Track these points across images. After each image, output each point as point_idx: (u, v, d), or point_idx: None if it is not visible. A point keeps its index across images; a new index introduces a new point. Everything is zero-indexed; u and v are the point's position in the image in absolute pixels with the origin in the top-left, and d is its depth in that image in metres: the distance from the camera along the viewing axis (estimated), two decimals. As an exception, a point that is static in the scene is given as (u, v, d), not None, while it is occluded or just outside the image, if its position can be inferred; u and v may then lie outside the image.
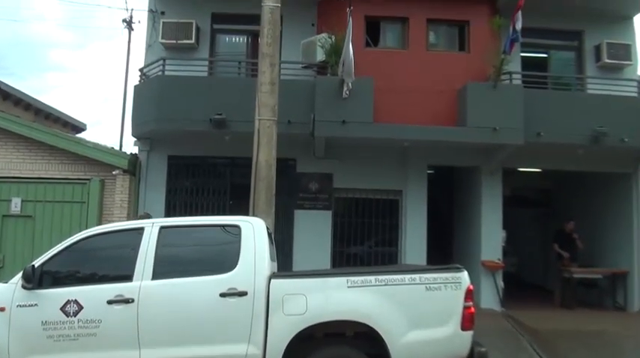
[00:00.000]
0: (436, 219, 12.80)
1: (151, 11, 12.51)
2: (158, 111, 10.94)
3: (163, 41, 12.04)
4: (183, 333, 5.51)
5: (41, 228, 11.22)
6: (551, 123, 10.91)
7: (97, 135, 60.82)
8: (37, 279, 5.59)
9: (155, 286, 5.59)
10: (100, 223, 11.01)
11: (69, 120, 16.40)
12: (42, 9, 42.83)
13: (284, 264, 11.01)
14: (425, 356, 5.60)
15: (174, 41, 12.00)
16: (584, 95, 12.03)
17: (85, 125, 17.53)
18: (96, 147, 11.53)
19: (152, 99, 11.12)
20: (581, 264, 12.44)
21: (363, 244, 12.13)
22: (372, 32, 11.92)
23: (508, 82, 11.44)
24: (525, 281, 15.31)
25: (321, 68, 11.28)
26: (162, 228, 5.89)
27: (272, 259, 6.15)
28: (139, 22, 21.57)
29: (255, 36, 11.49)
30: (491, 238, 11.76)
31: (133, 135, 11.86)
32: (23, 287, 5.59)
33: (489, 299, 11.56)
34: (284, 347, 5.48)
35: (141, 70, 12.02)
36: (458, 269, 5.81)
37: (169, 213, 11.69)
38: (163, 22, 12.07)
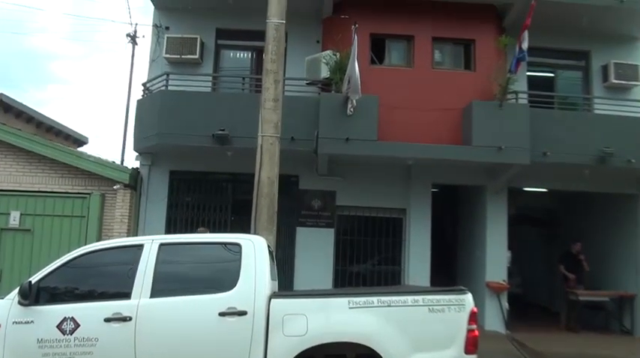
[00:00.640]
0: (440, 238, 12.75)
1: (155, 26, 12.60)
2: (160, 126, 10.96)
3: (167, 56, 12.11)
4: (181, 353, 5.47)
5: (40, 242, 11.20)
6: (557, 143, 10.89)
7: (98, 148, 60.94)
8: (33, 296, 5.55)
9: (154, 304, 5.55)
10: (99, 238, 11.00)
11: (70, 133, 16.44)
12: (46, 22, 43.22)
13: (285, 282, 10.98)
14: (427, 381, 5.53)
15: (179, 56, 12.07)
16: (590, 115, 12.03)
17: (86, 138, 17.57)
18: (97, 161, 11.55)
19: (155, 113, 11.15)
20: (588, 286, 12.34)
21: (366, 263, 12.06)
22: (377, 50, 11.96)
23: (514, 101, 11.45)
24: (530, 303, 15.18)
25: (326, 85, 11.30)
26: (161, 244, 5.87)
27: (273, 278, 6.12)
28: (143, 36, 21.68)
29: (259, 52, 11.58)
30: (496, 258, 11.68)
31: (135, 149, 11.88)
32: (19, 303, 5.56)
33: (494, 321, 11.46)
34: (284, 369, 5.42)
35: (144, 84, 12.07)
36: (462, 291, 5.76)
37: (170, 228, 11.68)
38: (168, 37, 12.15)
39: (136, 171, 11.88)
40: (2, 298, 5.74)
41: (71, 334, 5.43)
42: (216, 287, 5.67)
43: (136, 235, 11.28)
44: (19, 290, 5.56)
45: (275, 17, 8.33)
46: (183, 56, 12.06)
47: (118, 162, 12.98)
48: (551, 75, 13.16)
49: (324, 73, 11.18)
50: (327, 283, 11.37)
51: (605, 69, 12.71)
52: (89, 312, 5.53)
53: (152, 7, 12.66)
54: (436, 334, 5.57)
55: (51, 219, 11.30)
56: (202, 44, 12.29)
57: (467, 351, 5.54)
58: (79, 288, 5.77)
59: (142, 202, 11.82)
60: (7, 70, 45.31)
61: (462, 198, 13.93)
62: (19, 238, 11.24)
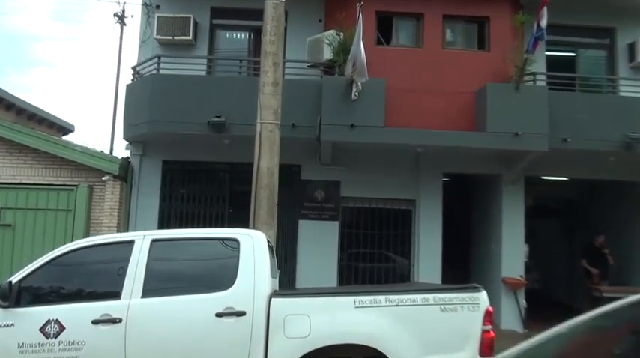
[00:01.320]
0: (452, 231, 12.74)
1: (145, 5, 12.56)
2: (152, 113, 10.95)
3: (158, 37, 12.06)
4: (175, 357, 5.46)
5: (22, 238, 11.20)
6: (578, 128, 10.84)
7: (85, 137, 61.03)
8: (14, 297, 5.50)
9: (145, 304, 5.53)
10: (87, 233, 11.02)
11: (55, 121, 16.42)
12: (28, 1, 43.14)
13: (286, 280, 10.99)
14: (439, 385, 5.54)
15: (170, 37, 12.02)
16: (615, 98, 11.97)
17: (72, 126, 17.56)
18: (84, 150, 11.54)
19: (146, 99, 11.13)
20: (612, 281, 12.32)
21: (373, 258, 12.09)
22: (384, 29, 11.91)
23: (531, 83, 11.41)
24: (550, 300, 15.16)
25: (329, 67, 11.27)
26: (153, 241, 5.84)
27: (273, 276, 6.11)
28: (132, 16, 21.65)
29: (257, 32, 11.51)
30: (512, 253, 11.69)
31: (125, 138, 11.88)
32: (-2, 305, 5.55)
33: (511, 319, 11.49)
34: (285, 373, 5.43)
35: (134, 68, 12.05)
36: (476, 289, 5.73)
37: (163, 222, 11.71)
38: (158, 17, 12.09)
39: (126, 161, 11.88)
40: (-20, 299, 5.72)
41: (55, 337, 5.41)
42: (213, 286, 5.65)
43: (127, 230, 11.30)
44: (-1, 290, 5.54)
45: (274, -6, 8.29)
46: (175, 37, 12.01)
47: (107, 151, 12.99)
48: (572, 54, 13.08)
49: (327, 54, 11.14)
50: (332, 280, 11.40)
51: (631, 47, 12.62)
52: (75, 314, 5.50)
53: (141, -16, 12.64)
54: (448, 335, 5.54)
55: (34, 214, 11.29)
56: (196, 24, 12.23)
57: (482, 353, 5.50)
58: (64, 288, 5.75)
59: (133, 195, 11.83)
60: (-13, 53, 45.32)
61: (476, 188, 13.91)
62: (-1, 234, 11.26)
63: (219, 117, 10.61)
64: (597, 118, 10.97)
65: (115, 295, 5.56)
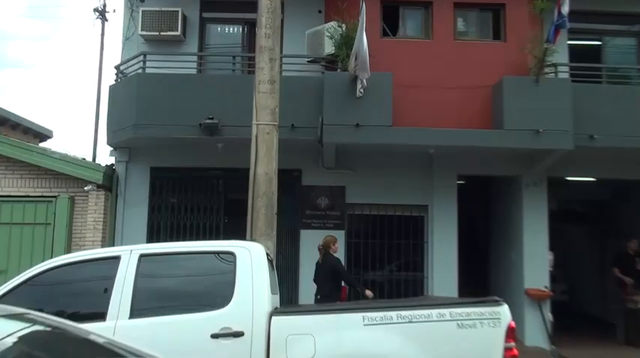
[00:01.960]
0: (468, 239, 12.72)
1: (128, -2, 12.58)
2: (138, 116, 10.95)
3: (143, 33, 12.08)
4: (167, 383, 5.45)
5: (-5, 255, 11.18)
6: (605, 123, 10.82)
7: (65, 144, 61.03)
8: (-13, 320, 5.52)
9: (133, 326, 5.51)
10: (68, 249, 11.02)
11: (31, 126, 16.42)
12: (1, -4, 43.26)
13: (288, 296, 11.00)
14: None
15: (157, 33, 12.04)
16: (645, 90, 11.95)
17: (50, 132, 17.60)
18: (63, 158, 11.54)
19: (131, 101, 11.14)
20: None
21: (383, 270, 12.07)
22: (390, 19, 11.91)
23: (553, 75, 11.39)
24: (579, 313, 15.13)
25: (330, 62, 11.27)
26: (142, 256, 5.84)
27: (273, 292, 6.09)
28: (114, 10, 21.67)
29: (252, 26, 11.54)
30: (535, 261, 11.64)
31: (109, 143, 11.89)
32: (-29, 329, 5.53)
33: (535, 335, 11.43)
34: (288, 399, 5.41)
35: (117, 67, 12.06)
36: (496, 303, 5.70)
37: (152, 235, 11.72)
38: (143, 11, 12.10)
39: (110, 168, 11.89)
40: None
41: (35, 364, 5.41)
42: (208, 305, 5.65)
43: (112, 245, 11.31)
44: (-30, 313, 5.53)
45: (269, -16, 8.29)
46: (162, 33, 12.03)
47: (89, 158, 12.97)
48: (598, 43, 13.05)
49: (328, 48, 11.14)
50: (338, 295, 11.33)
51: (662, 34, 12.62)
52: (57, 338, 5.50)
53: (123, -25, 12.65)
54: (467, 354, 5.52)
55: (8, 229, 11.29)
56: (184, 18, 12.25)
57: (504, 373, 5.50)
58: (43, 310, 5.71)
59: (119, 205, 11.83)
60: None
61: (494, 192, 13.88)
62: (-30, 252, 11.22)
63: (211, 119, 10.60)
64: (626, 112, 10.94)
65: (100, 316, 5.54)
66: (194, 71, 12.00)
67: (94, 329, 5.44)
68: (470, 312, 5.59)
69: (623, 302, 12.19)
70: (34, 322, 3.53)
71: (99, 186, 11.51)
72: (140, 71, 11.43)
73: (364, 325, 5.55)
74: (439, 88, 11.22)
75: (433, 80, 11.25)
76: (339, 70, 10.98)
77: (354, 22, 10.26)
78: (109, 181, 11.70)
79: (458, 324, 5.54)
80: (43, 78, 53.25)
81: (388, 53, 11.16)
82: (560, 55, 11.66)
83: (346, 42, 10.75)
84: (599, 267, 15.14)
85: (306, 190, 11.93)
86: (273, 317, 5.59)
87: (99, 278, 5.80)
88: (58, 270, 5.83)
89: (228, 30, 13.07)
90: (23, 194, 11.43)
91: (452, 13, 11.82)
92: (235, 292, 5.64)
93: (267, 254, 6.30)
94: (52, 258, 7.54)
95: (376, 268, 11.95)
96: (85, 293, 5.87)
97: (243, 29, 12.83)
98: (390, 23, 11.89)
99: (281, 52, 9.53)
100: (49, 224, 11.34)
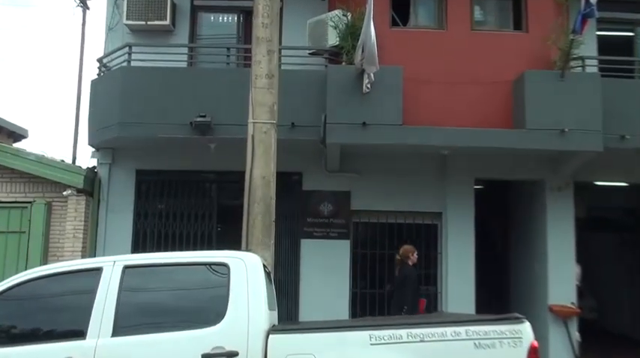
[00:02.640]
0: (487, 249, 12.70)
1: (112, -16, 12.59)
2: (122, 113, 10.96)
3: (129, 23, 12.09)
4: (153, 409, 5.45)
5: (-38, 267, 11.16)
6: (639, 122, 10.80)
7: (42, 144, 60.95)
8: (-47, 338, 5.53)
9: (116, 345, 5.51)
10: (45, 260, 11.02)
11: (4, 125, 16.44)
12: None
13: (288, 312, 11.00)
14: None
15: (143, 22, 12.05)
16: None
17: (26, 132, 17.61)
18: (40, 160, 11.57)
19: (115, 97, 11.16)
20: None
21: (392, 283, 12.03)
22: (400, 8, 11.89)
23: (580, 69, 11.39)
24: (609, 332, 15.11)
25: (334, 55, 11.27)
26: (126, 267, 5.83)
27: (271, 307, 6.08)
28: (97, -2, 21.69)
29: (248, 15, 11.52)
30: (561, 275, 11.61)
31: (90, 144, 11.91)
32: None
33: (561, 355, 11.40)
34: None
35: (100, 60, 12.07)
36: (517, 320, 5.70)
37: (138, 244, 11.72)
38: (129, -1, 12.14)
39: (92, 171, 11.90)
40: None
41: (7, 387, 5.42)
42: (198, 322, 5.64)
43: (94, 255, 11.29)
44: None
45: (266, -32, 8.31)
46: (149, 22, 12.04)
47: (69, 160, 12.96)
48: (630, 34, 13.05)
49: (332, 39, 11.15)
50: (343, 312, 11.38)
51: (701, 24, 12.62)
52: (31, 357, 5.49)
53: (106, -42, 12.68)
54: (485, 376, 5.51)
55: (-22, 237, 11.31)
56: (174, 6, 12.27)
57: (527, 398, 5.49)
58: (16, 327, 5.74)
59: (101, 212, 11.83)
60: None
61: (515, 197, 13.87)
62: (-64, 263, 11.22)
63: (203, 116, 10.61)
64: (662, 110, 10.93)
65: (79, 334, 5.53)
66: (184, 64, 12.01)
67: (73, 348, 5.49)
68: (488, 331, 5.58)
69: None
70: None
71: (79, 191, 11.51)
72: (125, 64, 11.43)
73: (371, 344, 5.54)
74: (454, 83, 11.21)
75: (448, 74, 11.24)
76: (343, 63, 10.97)
77: (361, 11, 10.28)
78: (90, 185, 11.70)
79: (475, 344, 5.53)
80: (17, 72, 53.29)
81: (398, 45, 11.15)
82: (587, 47, 11.67)
83: (352, 32, 10.76)
84: (632, 280, 15.11)
85: (307, 195, 11.92)
86: (270, 336, 5.58)
87: (78, 292, 5.79)
88: (34, 283, 5.82)
89: (222, 19, 13.07)
90: (-5, 199, 11.45)
91: (468, 0, 11.82)
92: (229, 308, 5.63)
93: (265, 265, 6.28)
94: (26, 269, 7.53)
95: (385, 282, 11.91)
96: (64, 309, 5.84)
97: (238, 18, 12.83)
98: (400, 12, 11.88)
99: (280, 43, 9.52)
100: (24, 232, 11.34)
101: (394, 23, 11.80)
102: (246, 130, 8.18)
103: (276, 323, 6.36)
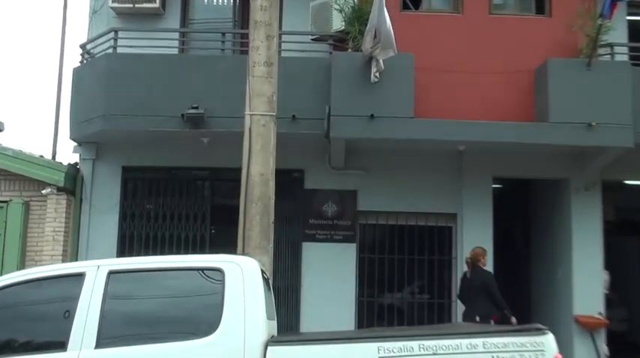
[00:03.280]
0: (505, 254, 12.67)
1: (96, -37, 12.59)
2: (108, 104, 10.97)
3: (115, 5, 12.11)
4: None
5: None
6: (675, 115, 10.79)
7: (19, 139, 60.99)
8: None
9: None
10: (22, 264, 11.03)
11: (-25, 118, 16.48)
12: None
13: (288, 322, 10.99)
14: None
15: (130, 5, 12.07)
16: None
17: (1, 125, 17.61)
18: (17, 155, 11.59)
19: (99, 86, 11.17)
20: None
21: (402, 292, 12.07)
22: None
23: (609, 57, 11.39)
24: None
25: (339, 41, 11.29)
26: (111, 273, 5.81)
27: (269, 317, 6.07)
28: (80, -22, 21.70)
29: (244, -4, 11.52)
30: (587, 282, 11.60)
31: (72, 138, 11.92)
32: None
33: (586, 370, 11.43)
34: None
35: (83, 46, 12.08)
36: (539, 331, 5.66)
37: (124, 248, 11.74)
38: (115, -21, 12.15)
39: (73, 168, 11.91)
40: None
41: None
42: (190, 332, 5.61)
43: (76, 259, 11.32)
44: None
45: (265, -54, 8.29)
46: (137, 5, 12.06)
47: (49, 156, 12.96)
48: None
49: (337, 24, 11.17)
50: (348, 321, 11.37)
51: None
52: (7, 373, 5.51)
53: None
54: (504, 393, 5.50)
55: (-52, 239, 11.34)
56: (164, -13, 12.29)
57: (550, 416, 5.48)
58: (-10, 337, 5.75)
59: (84, 212, 11.85)
60: None
61: (537, 197, 13.87)
62: None
63: (196, 108, 10.61)
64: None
65: (60, 346, 5.50)
66: (175, 51, 12.02)
67: (52, 362, 5.48)
68: (507, 343, 5.55)
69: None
70: None
71: (59, 189, 11.53)
72: (110, 51, 11.46)
73: (379, 357, 5.54)
74: (471, 72, 11.18)
75: (463, 63, 11.22)
76: (349, 49, 10.99)
77: (369, -7, 10.27)
78: (71, 183, 11.71)
79: (493, 357, 5.52)
80: (-7, 59, 53.41)
81: (410, 30, 11.11)
82: (617, 33, 11.65)
83: (359, 16, 10.76)
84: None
85: (309, 195, 11.94)
86: (269, 348, 5.55)
87: (59, 299, 5.77)
88: (9, 290, 5.79)
89: (217, 1, 13.09)
90: (-34, 198, 11.49)
91: (486, -19, 11.83)
92: (224, 317, 5.60)
93: (263, 271, 6.25)
94: (1, 275, 7.53)
95: (394, 290, 11.95)
96: (42, 318, 5.82)
97: (234, 1, 12.84)
98: (411, -6, 11.91)
99: (280, 27, 9.53)
100: (-1, 234, 11.38)
101: (405, 6, 11.79)
102: (243, 123, 8.16)
103: (275, 334, 6.33)
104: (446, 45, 11.37)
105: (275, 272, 8.50)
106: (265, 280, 6.27)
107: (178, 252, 11.19)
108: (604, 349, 11.49)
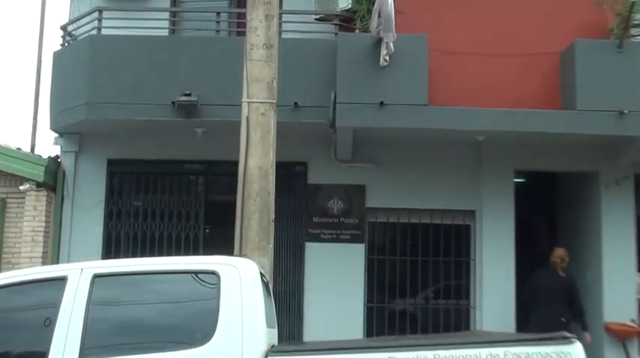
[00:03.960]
0: (529, 255, 12.65)
1: (78, -64, 12.59)
2: (91, 92, 10.98)
3: (99, -18, 12.10)
4: None
5: None
6: None
7: (-5, 130, 61.17)
8: None
9: (85, 370, 5.52)
10: (-2, 267, 11.05)
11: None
12: None
13: (290, 330, 11.04)
14: None
15: (116, -18, 12.06)
16: None
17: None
18: (-8, 148, 11.62)
19: (82, 72, 11.17)
20: None
21: (415, 296, 12.08)
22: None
23: (642, 38, 11.35)
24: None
25: (346, 21, 11.28)
26: (96, 276, 5.81)
27: (270, 324, 6.07)
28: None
29: (241, -28, 11.51)
30: (619, 286, 11.58)
31: (53, 128, 11.94)
32: None
33: (618, 382, 11.43)
34: None
35: (64, 27, 12.09)
36: (566, 340, 5.66)
37: (110, 249, 11.77)
38: (98, -46, 12.15)
39: (54, 162, 11.94)
40: None
41: None
42: (183, 342, 5.62)
43: (57, 261, 11.35)
44: None
45: None
46: (123, -19, 12.06)
47: (27, 149, 12.98)
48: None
49: (343, 2, 11.17)
50: (356, 329, 11.37)
51: None
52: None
53: None
54: (528, 408, 5.50)
55: None
56: (153, -38, 12.29)
57: None
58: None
59: (66, 210, 11.87)
60: None
61: (563, 193, 13.86)
62: None
63: (188, 95, 10.61)
64: None
65: (40, 356, 5.50)
66: (166, 32, 12.04)
67: (31, 374, 5.48)
68: (531, 352, 5.54)
69: None
70: None
71: (39, 185, 11.55)
72: (94, 32, 11.46)
73: (391, 369, 5.54)
74: (490, 55, 11.15)
75: (482, 45, 11.19)
76: (357, 30, 11.00)
77: (377, -32, 10.25)
78: (52, 178, 11.74)
79: (515, 368, 5.53)
80: (-35, 43, 53.46)
81: (422, 8, 11.12)
82: (652, 10, 11.63)
83: (367, -6, 10.76)
84: None
85: (313, 190, 11.94)
86: (269, 358, 5.59)
87: (38, 306, 5.79)
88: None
89: (211, -22, 13.09)
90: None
91: (508, -46, 11.81)
92: (219, 325, 5.60)
93: (262, 274, 6.29)
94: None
95: (406, 294, 11.96)
96: (21, 327, 5.82)
97: (230, -23, 12.86)
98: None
99: (280, 6, 9.52)
100: (-27, 235, 11.43)
101: (418, -18, 11.79)
102: (240, 111, 8.15)
103: (276, 343, 6.36)
104: (463, 25, 11.33)
105: (275, 275, 8.52)
106: (265, 284, 6.29)
107: (169, 254, 11.21)
108: (637, 359, 11.52)
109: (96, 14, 11.50)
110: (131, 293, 5.99)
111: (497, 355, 5.55)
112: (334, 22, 11.50)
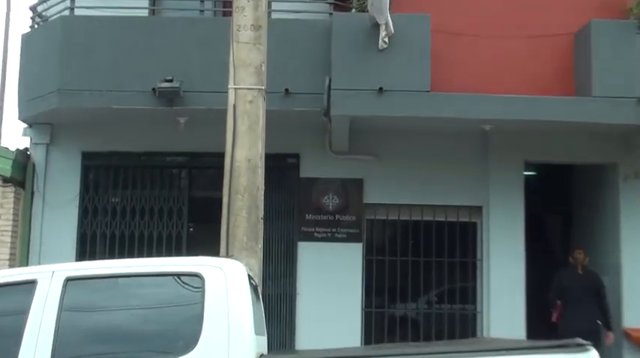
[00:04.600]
0: (541, 255, 12.67)
1: None
2: (64, 77, 10.94)
3: (71, -42, 12.05)
4: None
5: None
6: None
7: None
8: None
9: (56, 382, 5.50)
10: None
11: None
12: None
13: (281, 337, 11.05)
14: None
15: (90, -43, 12.01)
16: None
17: None
18: (-45, 140, 11.57)
19: (54, 56, 11.13)
20: None
21: (418, 300, 12.11)
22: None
23: (663, 18, 11.35)
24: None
25: (342, 0, 11.23)
26: (68, 279, 5.79)
27: (258, 331, 6.07)
28: None
29: (227, -54, 11.48)
30: (638, 288, 11.60)
31: (22, 118, 11.91)
32: None
33: (637, 393, 11.46)
34: None
35: (33, 8, 12.06)
36: (581, 348, 5.65)
37: (85, 249, 11.76)
38: None
39: (23, 155, 11.92)
40: None
41: None
42: (164, 350, 5.64)
43: (26, 263, 11.34)
44: None
45: None
46: (97, -43, 12.01)
47: (-6, 141, 13.01)
48: None
49: (338, -22, 11.15)
50: (353, 336, 11.39)
51: None
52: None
53: None
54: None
55: None
56: (130, -64, 12.24)
57: None
58: None
59: (36, 207, 11.86)
60: None
61: (577, 187, 13.90)
62: None
63: (170, 81, 10.57)
64: None
65: (8, 367, 5.52)
66: (145, 13, 12.02)
67: (-2, 386, 5.46)
68: (545, 362, 5.57)
69: None
70: None
71: (6, 180, 11.56)
72: (67, 13, 11.43)
73: (391, 380, 5.55)
74: (497, 37, 11.18)
75: (489, 26, 11.22)
76: (354, 10, 10.99)
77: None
78: (21, 173, 11.74)
79: (526, 378, 5.53)
80: None
81: (425, -14, 11.14)
82: (672, -11, 11.63)
83: (364, -29, 10.75)
84: None
85: (306, 184, 11.94)
86: (258, 368, 5.57)
87: (5, 312, 5.77)
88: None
89: (194, -47, 13.05)
90: None
91: None
92: (203, 332, 5.58)
93: (250, 276, 6.28)
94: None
95: (407, 298, 11.99)
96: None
97: (215, -49, 12.82)
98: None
99: (270, -16, 9.52)
100: None
101: (420, -42, 11.78)
102: (226, 99, 8.13)
103: (265, 352, 6.35)
104: (469, 4, 11.37)
105: (265, 277, 8.50)
106: (253, 287, 6.29)
107: (150, 255, 11.21)
108: (659, 367, 11.54)
109: (69, -7, 11.47)
110: (107, 298, 5.96)
111: (507, 365, 5.57)
112: (328, 1, 11.47)
